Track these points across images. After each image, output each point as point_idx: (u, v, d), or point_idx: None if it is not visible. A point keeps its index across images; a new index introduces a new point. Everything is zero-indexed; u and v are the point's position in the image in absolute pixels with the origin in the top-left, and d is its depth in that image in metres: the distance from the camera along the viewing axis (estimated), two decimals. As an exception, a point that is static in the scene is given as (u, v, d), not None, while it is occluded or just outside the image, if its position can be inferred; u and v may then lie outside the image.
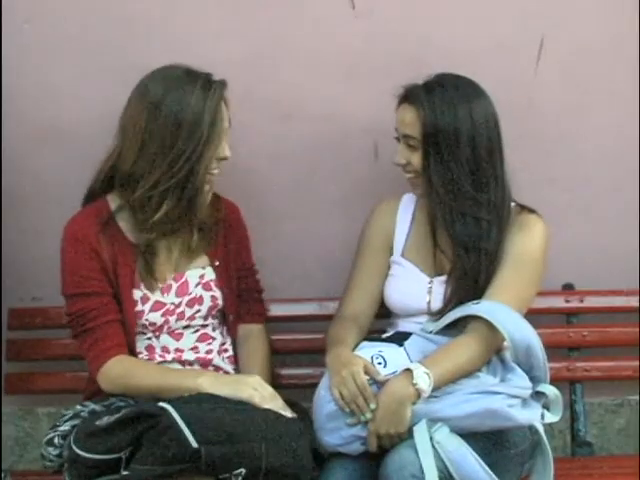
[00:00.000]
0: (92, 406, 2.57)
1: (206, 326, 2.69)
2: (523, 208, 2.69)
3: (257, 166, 2.97)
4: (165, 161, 2.49)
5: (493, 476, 2.40)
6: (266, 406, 2.40)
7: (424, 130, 2.58)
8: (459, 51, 2.92)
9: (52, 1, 2.94)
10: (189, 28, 2.94)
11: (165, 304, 2.62)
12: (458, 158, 2.57)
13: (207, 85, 2.51)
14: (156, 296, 2.61)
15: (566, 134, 3.02)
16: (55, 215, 3.00)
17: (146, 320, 2.60)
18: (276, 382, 2.80)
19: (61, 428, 2.53)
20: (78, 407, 2.59)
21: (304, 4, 2.95)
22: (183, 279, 2.65)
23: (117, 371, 2.53)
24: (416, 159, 2.62)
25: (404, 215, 2.78)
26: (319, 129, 3.00)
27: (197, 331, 2.67)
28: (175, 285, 2.64)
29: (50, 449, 2.53)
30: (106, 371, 2.53)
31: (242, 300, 2.76)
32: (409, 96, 2.63)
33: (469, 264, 2.60)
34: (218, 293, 2.68)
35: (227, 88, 2.55)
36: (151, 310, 2.61)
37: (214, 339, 2.69)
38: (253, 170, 2.91)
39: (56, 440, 2.52)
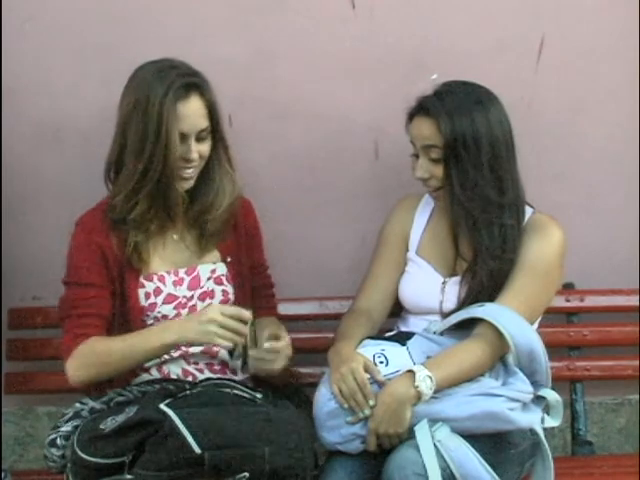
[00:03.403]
0: (91, 403, 2.56)
1: None
2: (536, 210, 2.66)
3: (257, 166, 2.97)
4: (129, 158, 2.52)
5: (494, 475, 2.41)
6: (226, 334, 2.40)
7: (445, 140, 2.53)
8: (459, 51, 2.92)
9: (52, 1, 2.94)
10: (189, 28, 2.94)
11: (177, 297, 2.63)
12: (480, 164, 2.54)
13: (171, 86, 2.49)
14: (169, 289, 2.63)
15: (566, 134, 3.02)
16: (55, 215, 3.02)
17: (158, 312, 2.61)
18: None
19: (63, 429, 2.53)
20: (77, 405, 2.58)
21: (304, 4, 2.95)
22: (195, 273, 2.66)
23: (83, 352, 2.52)
24: (439, 171, 2.57)
25: (422, 213, 2.77)
26: (319, 129, 3.00)
27: None
28: (187, 279, 2.65)
29: (53, 450, 2.52)
30: (73, 356, 2.53)
31: (255, 296, 2.75)
32: (424, 108, 2.58)
33: (491, 270, 2.57)
34: (230, 288, 2.68)
35: (198, 90, 2.51)
36: (164, 302, 2.62)
37: None
38: (253, 170, 2.90)
39: (58, 441, 2.51)
